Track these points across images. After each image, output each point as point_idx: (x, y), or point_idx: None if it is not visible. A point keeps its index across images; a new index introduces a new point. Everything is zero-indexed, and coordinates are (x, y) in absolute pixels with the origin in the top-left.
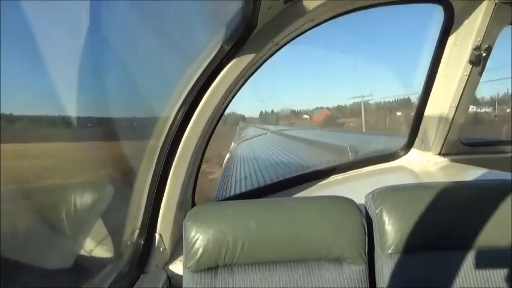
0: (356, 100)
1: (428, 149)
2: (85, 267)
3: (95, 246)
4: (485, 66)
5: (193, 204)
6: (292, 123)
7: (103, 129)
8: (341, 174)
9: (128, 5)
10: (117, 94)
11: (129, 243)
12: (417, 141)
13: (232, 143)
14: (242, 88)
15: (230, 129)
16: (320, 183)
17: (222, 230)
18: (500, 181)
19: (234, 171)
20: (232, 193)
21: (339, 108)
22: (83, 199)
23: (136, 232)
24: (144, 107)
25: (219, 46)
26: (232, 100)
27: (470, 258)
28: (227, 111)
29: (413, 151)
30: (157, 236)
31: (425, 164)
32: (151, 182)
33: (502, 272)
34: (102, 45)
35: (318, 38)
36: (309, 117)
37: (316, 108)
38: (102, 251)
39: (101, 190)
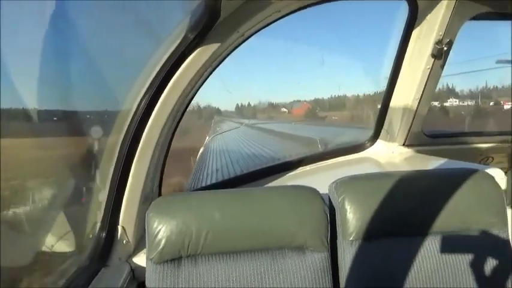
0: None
1: (393, 140)
2: (44, 263)
3: (56, 242)
4: (446, 60)
5: (160, 196)
6: (271, 117)
7: (65, 123)
8: (309, 165)
9: None
10: (80, 87)
11: (90, 236)
12: (383, 132)
13: (207, 137)
14: (215, 80)
15: (205, 124)
16: (288, 174)
17: (185, 220)
18: (458, 169)
19: (207, 164)
20: (203, 186)
21: (317, 102)
22: (42, 196)
23: (98, 225)
24: (105, 98)
25: (183, 35)
26: (207, 93)
27: (428, 244)
28: (202, 104)
29: (379, 142)
30: (119, 228)
31: (390, 155)
32: (113, 173)
33: (459, 256)
34: (65, 34)
35: (287, 31)
36: (287, 110)
37: (294, 101)
38: (64, 246)
39: (61, 186)
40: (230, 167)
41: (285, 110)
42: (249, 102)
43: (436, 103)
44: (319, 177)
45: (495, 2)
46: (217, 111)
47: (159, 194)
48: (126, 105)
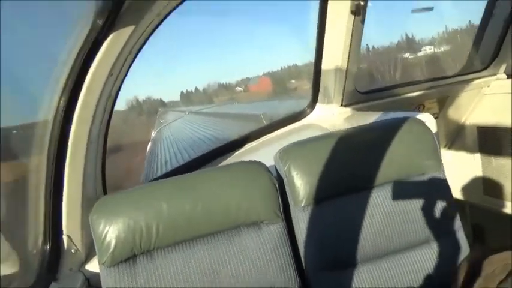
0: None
1: (331, 102)
2: None
3: None
4: (365, 15)
5: None
6: (232, 98)
7: None
8: (255, 141)
9: None
10: None
11: (34, 252)
12: (320, 96)
13: (153, 131)
14: (153, 71)
15: (148, 120)
16: (236, 153)
17: (132, 216)
18: (391, 120)
19: (157, 159)
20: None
21: (271, 75)
22: None
23: (41, 239)
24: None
25: (91, 21)
26: (144, 84)
27: (375, 196)
28: (141, 97)
29: (318, 107)
30: (65, 238)
31: (331, 117)
32: (46, 182)
33: (405, 202)
34: None
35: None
36: (242, 89)
37: (243, 79)
38: (7, 269)
39: None
40: (179, 155)
41: (240, 89)
42: (196, 87)
43: (407, 55)
44: (266, 151)
45: None
46: (161, 103)
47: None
48: (43, 108)
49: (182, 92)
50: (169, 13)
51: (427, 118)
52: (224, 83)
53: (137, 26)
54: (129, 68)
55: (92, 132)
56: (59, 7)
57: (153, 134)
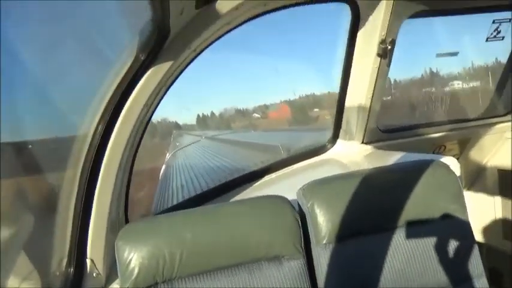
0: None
1: (352, 139)
2: None
3: (20, 284)
4: (391, 58)
5: (127, 222)
6: (253, 124)
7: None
8: (274, 173)
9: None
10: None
11: (57, 273)
12: (341, 133)
13: (167, 154)
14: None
15: (162, 143)
16: (255, 184)
17: (157, 245)
18: (416, 162)
19: (171, 182)
20: (170, 204)
21: (289, 103)
22: None
23: (65, 260)
24: (55, 129)
25: (133, 56)
26: (162, 108)
27: (397, 237)
28: (157, 119)
29: (339, 142)
30: (88, 261)
31: (351, 154)
32: (75, 204)
33: (428, 244)
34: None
35: (240, 41)
36: (259, 115)
37: (265, 105)
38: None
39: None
40: (195, 181)
41: (257, 115)
42: (212, 112)
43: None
44: (286, 184)
45: (429, 0)
46: (176, 126)
47: (126, 220)
48: (80, 133)
49: (198, 116)
50: (204, 49)
51: (451, 162)
52: (241, 108)
53: (175, 61)
54: (162, 98)
55: (123, 159)
56: (105, 40)
57: (168, 156)
